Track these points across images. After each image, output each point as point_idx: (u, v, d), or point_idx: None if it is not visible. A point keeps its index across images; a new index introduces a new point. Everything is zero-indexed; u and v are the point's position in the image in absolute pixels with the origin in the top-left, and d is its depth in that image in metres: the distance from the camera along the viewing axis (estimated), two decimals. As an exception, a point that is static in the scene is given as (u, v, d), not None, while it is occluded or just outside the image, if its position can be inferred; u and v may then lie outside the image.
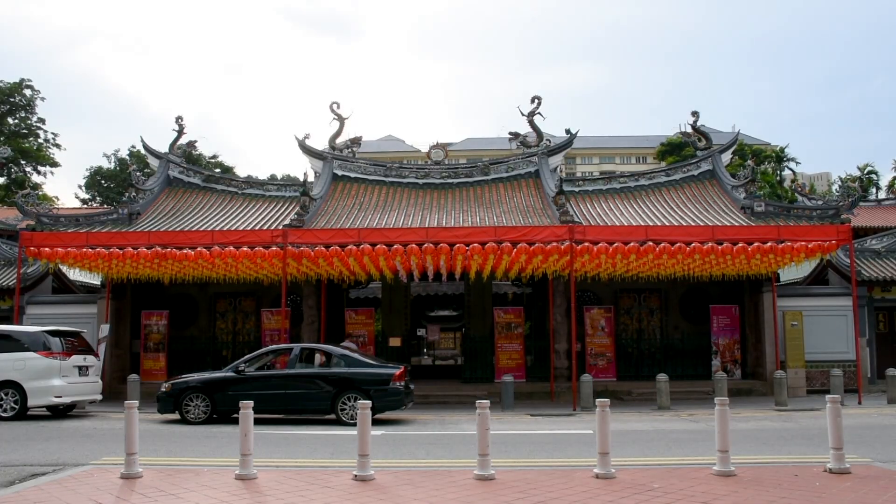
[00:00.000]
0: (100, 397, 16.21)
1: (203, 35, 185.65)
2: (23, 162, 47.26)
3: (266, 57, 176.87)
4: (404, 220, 20.87)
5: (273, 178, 52.39)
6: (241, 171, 56.13)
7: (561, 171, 26.19)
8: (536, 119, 24.86)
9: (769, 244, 16.71)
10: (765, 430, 12.49)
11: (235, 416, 9.72)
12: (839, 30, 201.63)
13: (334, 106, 25.25)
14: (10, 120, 48.08)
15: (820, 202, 22.96)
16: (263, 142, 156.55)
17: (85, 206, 50.37)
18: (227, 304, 22.83)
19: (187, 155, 25.32)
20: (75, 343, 15.80)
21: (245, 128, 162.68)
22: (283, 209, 22.91)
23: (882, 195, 44.66)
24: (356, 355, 14.72)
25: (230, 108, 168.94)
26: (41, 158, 48.25)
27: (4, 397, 14.41)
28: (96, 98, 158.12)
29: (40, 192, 40.05)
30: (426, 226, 18.82)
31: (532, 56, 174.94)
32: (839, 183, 42.57)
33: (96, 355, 16.88)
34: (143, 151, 27.67)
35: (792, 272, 22.56)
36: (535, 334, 21.86)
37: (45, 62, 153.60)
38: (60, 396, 14.76)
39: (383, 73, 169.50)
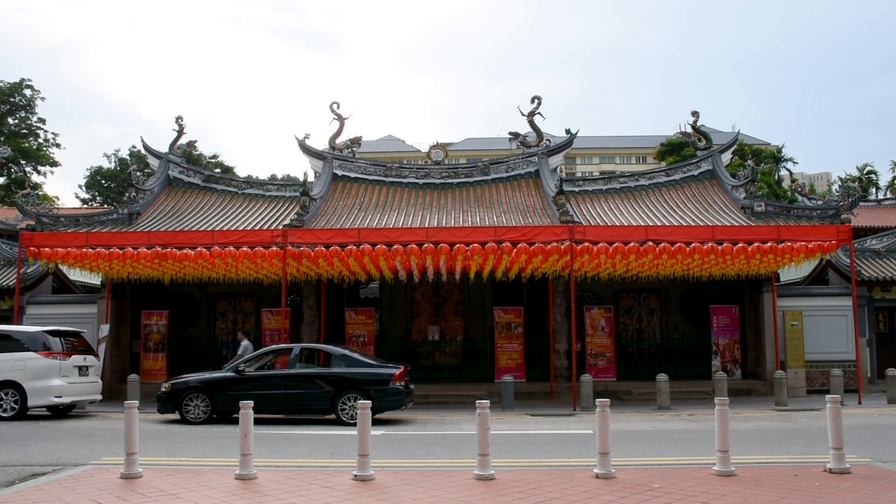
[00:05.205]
0: (100, 397, 16.22)
1: (198, 47, 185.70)
2: (23, 162, 47.24)
3: (260, 67, 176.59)
4: (404, 220, 20.86)
5: (273, 178, 52.33)
6: (241, 172, 56.04)
7: (561, 171, 26.18)
8: (536, 119, 24.84)
9: (769, 244, 16.70)
10: (765, 430, 12.49)
11: (235, 416, 9.72)
12: (840, 31, 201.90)
13: (334, 106, 25.23)
14: (10, 120, 48.06)
15: (820, 202, 22.94)
16: (262, 144, 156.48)
17: (85, 206, 50.37)
18: (227, 304, 22.84)
19: (187, 155, 25.32)
20: (75, 343, 15.80)
21: (243, 131, 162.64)
22: (283, 209, 22.91)
23: (882, 195, 44.75)
24: (356, 355, 14.68)
25: (228, 113, 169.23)
26: (41, 158, 48.23)
27: (4, 397, 14.41)
28: (94, 101, 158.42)
29: (40, 192, 40.04)
30: (426, 226, 18.80)
31: (532, 61, 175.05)
32: (839, 183, 42.57)
33: (96, 355, 16.87)
34: (143, 151, 27.67)
35: (792, 272, 22.54)
36: (535, 334, 21.84)
37: (45, 67, 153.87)
38: (60, 396, 14.76)
39: (377, 81, 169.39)
